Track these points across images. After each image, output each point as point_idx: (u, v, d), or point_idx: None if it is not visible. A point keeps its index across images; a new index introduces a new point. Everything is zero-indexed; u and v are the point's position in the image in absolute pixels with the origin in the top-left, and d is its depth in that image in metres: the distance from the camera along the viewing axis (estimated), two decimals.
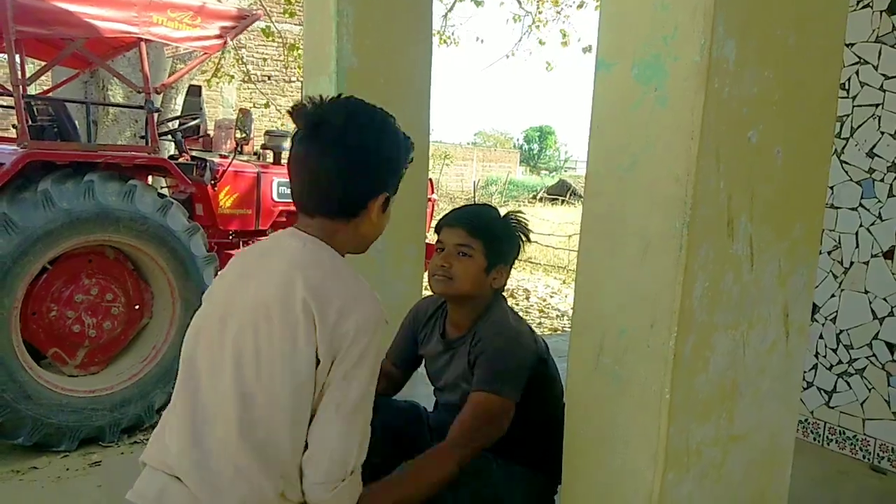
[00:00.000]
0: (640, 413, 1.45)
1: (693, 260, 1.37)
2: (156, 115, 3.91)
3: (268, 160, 5.53)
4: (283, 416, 1.20)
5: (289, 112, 1.32)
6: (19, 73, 3.33)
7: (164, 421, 1.30)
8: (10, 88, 3.44)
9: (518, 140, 45.49)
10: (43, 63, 4.35)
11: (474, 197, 13.09)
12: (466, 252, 1.80)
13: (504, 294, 1.97)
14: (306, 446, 1.23)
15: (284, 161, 5.06)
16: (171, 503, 1.20)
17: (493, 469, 1.76)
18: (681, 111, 1.35)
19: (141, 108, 3.96)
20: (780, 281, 1.53)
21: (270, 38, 8.58)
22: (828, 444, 2.96)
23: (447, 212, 1.95)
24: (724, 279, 1.43)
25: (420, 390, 3.01)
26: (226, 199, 4.90)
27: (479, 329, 1.81)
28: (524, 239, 1.91)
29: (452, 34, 11.28)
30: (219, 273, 1.42)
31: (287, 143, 3.80)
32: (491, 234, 1.83)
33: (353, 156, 1.28)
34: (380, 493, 1.47)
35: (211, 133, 5.91)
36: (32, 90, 6.67)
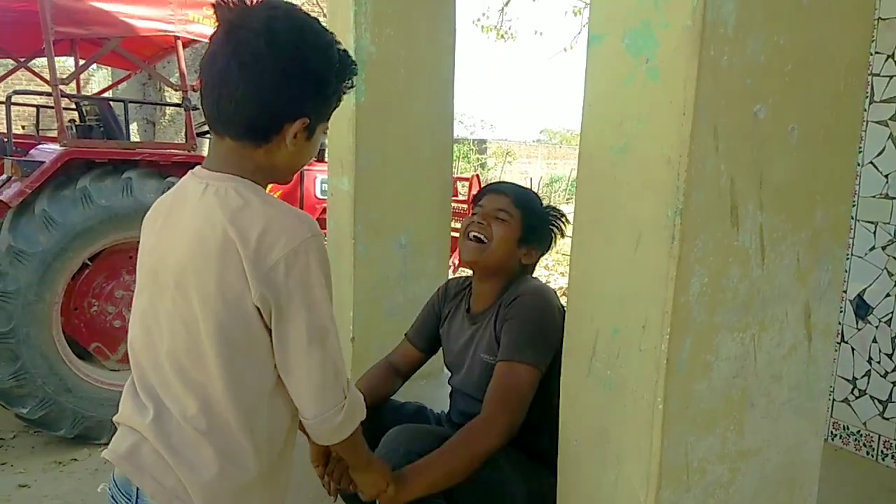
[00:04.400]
0: (633, 423, 1.30)
1: (688, 252, 1.21)
2: (194, 112, 3.95)
3: None
4: (221, 370, 1.10)
5: (212, 5, 1.13)
6: (57, 72, 3.39)
7: (130, 381, 1.22)
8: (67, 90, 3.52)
9: None
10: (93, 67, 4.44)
11: None
12: (504, 217, 1.77)
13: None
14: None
15: (327, 158, 5.08)
16: (142, 461, 1.13)
17: (502, 458, 1.64)
18: (672, 84, 1.19)
19: (179, 105, 4.01)
20: (798, 277, 1.35)
21: None
22: (882, 458, 2.68)
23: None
24: (728, 274, 1.27)
25: (436, 392, 2.92)
26: None
27: (506, 297, 1.75)
28: (558, 233, 1.88)
29: (510, 28, 11.16)
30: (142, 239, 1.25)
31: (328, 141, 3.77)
32: (532, 210, 1.82)
33: (263, 68, 1.07)
34: (421, 472, 1.49)
35: None
36: (89, 92, 6.93)
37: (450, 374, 1.95)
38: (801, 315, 1.37)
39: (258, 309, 1.08)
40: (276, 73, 1.08)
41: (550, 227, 1.87)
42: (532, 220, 1.81)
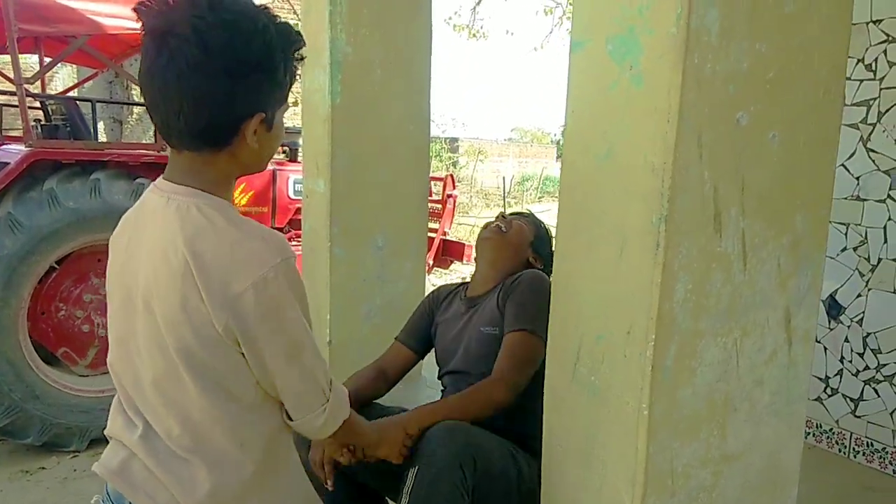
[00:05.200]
0: (618, 429, 1.30)
1: (673, 259, 1.21)
2: None
3: (282, 157, 5.49)
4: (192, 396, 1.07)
5: (134, 9, 1.04)
6: (21, 71, 3.30)
7: (117, 396, 1.20)
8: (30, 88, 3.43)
9: (555, 135, 44.96)
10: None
11: (503, 194, 12.92)
12: (523, 222, 2.03)
13: None
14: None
15: (300, 158, 5.05)
16: (133, 477, 1.11)
17: (513, 449, 1.66)
18: (657, 91, 1.19)
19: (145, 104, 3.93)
20: (779, 282, 1.36)
21: None
22: (854, 456, 2.74)
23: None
24: (712, 280, 1.27)
25: (422, 393, 2.92)
26: (241, 197, 4.86)
27: (509, 279, 1.86)
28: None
29: (481, 27, 11.18)
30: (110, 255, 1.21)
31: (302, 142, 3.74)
32: (544, 231, 2.08)
33: (203, 76, 0.99)
34: (427, 412, 1.58)
35: None
36: (53, 90, 6.77)
37: (439, 369, 1.97)
38: (781, 320, 1.39)
39: (221, 335, 1.04)
40: (219, 77, 1.00)
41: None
42: (543, 236, 2.06)
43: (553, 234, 2.06)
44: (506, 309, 1.77)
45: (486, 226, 2.04)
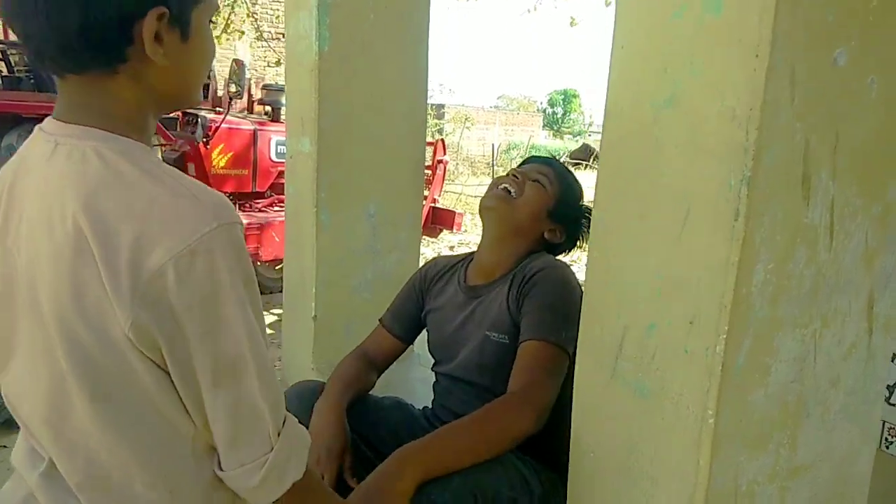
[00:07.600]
0: (675, 440, 1.06)
1: (754, 232, 0.96)
2: None
3: (265, 117, 5.24)
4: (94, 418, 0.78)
5: None
6: None
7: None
8: None
9: (542, 104, 44.64)
10: None
11: (493, 162, 12.69)
12: (542, 182, 1.60)
13: None
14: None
15: (283, 118, 4.78)
16: None
17: (523, 469, 1.38)
18: (742, 17, 0.93)
19: None
20: (865, 261, 1.12)
21: None
22: None
23: None
24: (795, 259, 1.03)
25: (415, 373, 2.70)
26: (219, 159, 4.59)
27: (523, 269, 1.52)
28: (585, 231, 1.67)
29: None
30: None
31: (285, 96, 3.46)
32: (571, 190, 1.66)
33: None
34: (430, 461, 1.23)
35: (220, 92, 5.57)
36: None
37: (433, 362, 1.69)
38: (864, 306, 1.15)
39: (132, 340, 0.74)
40: None
41: (582, 219, 1.66)
42: (568, 198, 1.63)
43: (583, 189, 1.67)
44: (522, 314, 1.44)
45: (495, 184, 1.63)
